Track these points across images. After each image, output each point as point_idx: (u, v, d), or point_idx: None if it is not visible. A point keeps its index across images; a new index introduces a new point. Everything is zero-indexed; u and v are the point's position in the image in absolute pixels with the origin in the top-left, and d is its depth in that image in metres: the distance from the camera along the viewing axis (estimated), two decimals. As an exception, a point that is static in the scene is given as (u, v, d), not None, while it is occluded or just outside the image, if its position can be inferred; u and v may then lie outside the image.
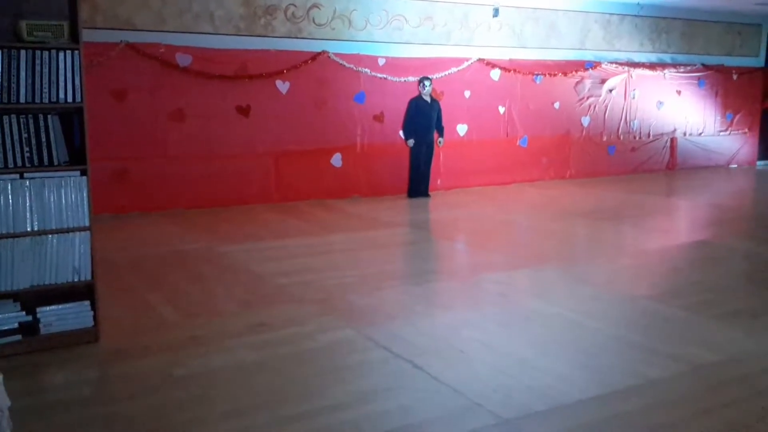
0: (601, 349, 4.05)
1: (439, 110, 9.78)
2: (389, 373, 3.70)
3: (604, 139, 12.44)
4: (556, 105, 11.71)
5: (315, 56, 9.40)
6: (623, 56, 12.42)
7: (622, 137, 12.63)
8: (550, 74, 11.50)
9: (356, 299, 5.03)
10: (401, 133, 9.80)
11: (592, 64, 11.97)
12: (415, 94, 9.72)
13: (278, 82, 9.21)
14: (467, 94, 10.74)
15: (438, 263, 6.70)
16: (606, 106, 12.34)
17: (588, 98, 12.09)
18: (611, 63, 12.20)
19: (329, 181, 9.72)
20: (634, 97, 12.63)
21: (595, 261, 6.39)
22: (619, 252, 6.91)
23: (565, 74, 11.69)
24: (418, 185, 9.84)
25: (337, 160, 9.79)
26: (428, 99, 9.68)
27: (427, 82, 9.62)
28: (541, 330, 4.38)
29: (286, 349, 4.04)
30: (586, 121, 12.14)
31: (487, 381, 3.56)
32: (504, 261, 6.36)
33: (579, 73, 11.85)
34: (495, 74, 10.98)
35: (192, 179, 8.74)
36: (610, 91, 12.34)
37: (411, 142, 9.65)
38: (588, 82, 12.02)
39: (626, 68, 12.40)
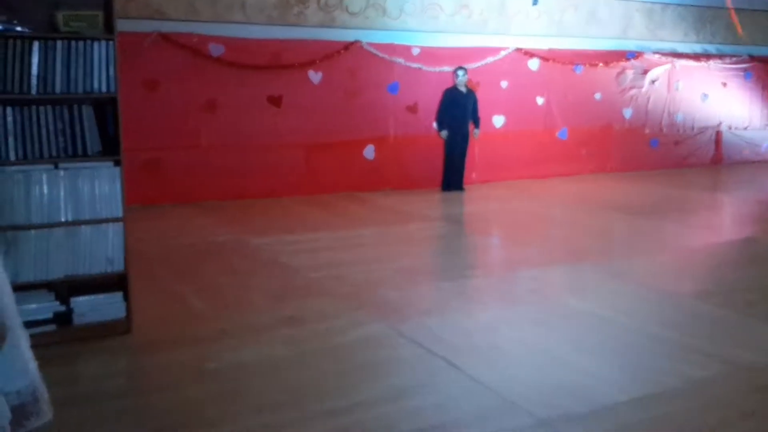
0: (641, 348, 3.93)
1: (475, 101, 9.63)
2: (422, 370, 3.63)
3: (647, 131, 12.15)
4: (597, 96, 11.46)
5: (348, 46, 9.32)
6: (667, 46, 12.10)
7: (665, 130, 12.32)
8: (590, 64, 11.26)
9: (388, 294, 4.96)
10: (435, 124, 9.68)
11: (634, 54, 11.68)
12: (450, 84, 9.59)
13: (310, 72, 9.15)
14: (504, 84, 10.56)
15: (472, 258, 6.59)
16: (648, 98, 12.04)
17: (630, 89, 11.81)
18: (654, 53, 11.89)
19: (361, 173, 9.65)
20: (677, 89, 12.30)
21: (635, 257, 6.21)
22: (660, 248, 6.70)
23: (606, 64, 11.44)
24: (452, 178, 9.71)
25: (369, 151, 9.71)
26: (464, 89, 9.54)
27: (461, 72, 9.48)
28: (578, 328, 4.25)
29: (317, 344, 4.00)
30: (627, 112, 11.87)
31: (523, 380, 3.47)
32: (540, 256, 6.23)
33: (620, 63, 11.58)
34: (533, 64, 10.78)
35: (223, 170, 8.73)
36: (653, 82, 12.03)
37: (444, 133, 9.53)
38: (630, 73, 11.74)
39: (670, 59, 12.07)
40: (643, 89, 11.95)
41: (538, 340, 4.03)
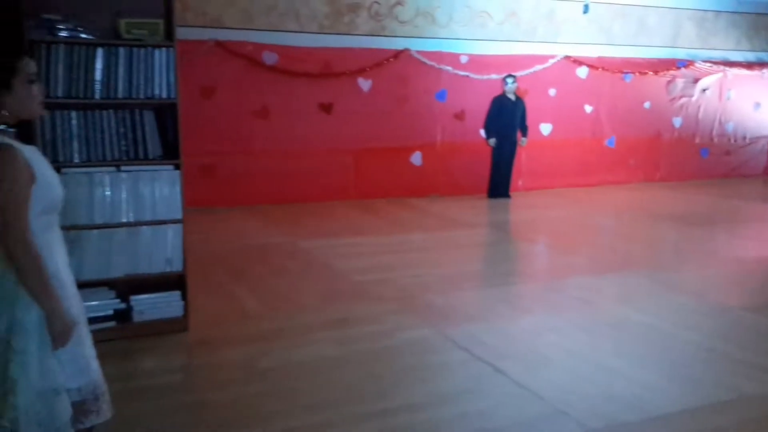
0: (691, 359, 3.88)
1: (524, 109, 9.60)
2: (469, 376, 3.66)
3: (697, 141, 11.93)
4: (647, 105, 11.31)
5: (397, 54, 9.41)
6: (718, 55, 11.86)
7: (716, 139, 12.08)
8: (639, 73, 11.12)
9: (435, 299, 5.00)
10: (482, 132, 9.67)
11: (685, 63, 11.49)
12: (498, 92, 9.58)
13: (360, 80, 9.27)
14: (552, 92, 10.51)
15: (518, 265, 6.58)
16: (699, 107, 11.83)
17: (680, 98, 11.61)
18: (705, 62, 11.67)
19: (408, 179, 9.71)
20: (729, 98, 12.05)
21: (684, 268, 6.12)
22: (711, 259, 6.59)
23: (656, 73, 11.28)
24: (499, 185, 9.69)
25: (416, 158, 9.78)
26: (512, 97, 9.52)
27: (510, 80, 9.46)
28: (627, 338, 4.22)
29: (365, 346, 4.06)
30: (677, 121, 11.67)
31: (571, 388, 3.46)
32: (588, 265, 6.18)
33: (671, 71, 11.40)
34: (582, 72, 10.70)
35: (274, 175, 8.91)
36: (704, 91, 11.81)
37: (493, 141, 9.51)
38: (680, 82, 11.55)
39: (721, 67, 11.83)
40: (694, 98, 11.73)
41: (586, 348, 4.02)
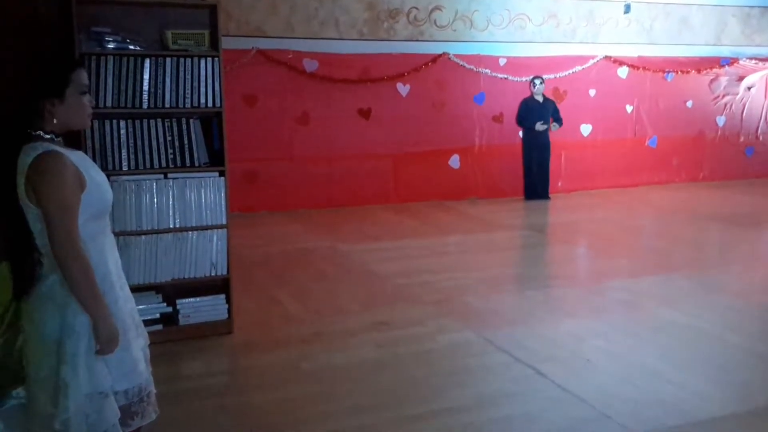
0: (738, 363, 3.82)
1: (555, 109, 9.51)
2: (511, 379, 3.66)
3: (742, 139, 11.66)
4: (689, 104, 11.11)
5: (435, 58, 9.43)
6: (764, 51, 11.58)
7: (761, 138, 11.78)
8: (682, 71, 10.93)
9: (475, 302, 5.01)
10: (520, 133, 9.60)
11: (729, 61, 11.25)
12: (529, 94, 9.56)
13: (399, 85, 9.32)
14: (592, 92, 10.40)
15: (558, 268, 6.53)
16: (744, 105, 11.56)
17: (724, 96, 11.37)
18: (750, 59, 11.41)
19: (447, 182, 9.72)
20: (775, 95, 11.76)
21: (730, 269, 6.01)
22: (757, 260, 6.45)
23: (699, 71, 11.07)
24: (539, 186, 9.63)
25: (455, 161, 9.78)
26: (540, 99, 9.46)
27: (538, 81, 9.41)
28: (671, 341, 4.17)
29: (406, 349, 4.09)
30: (721, 120, 11.44)
31: (615, 392, 3.44)
32: (630, 267, 6.11)
33: (714, 70, 11.17)
34: (622, 72, 10.57)
35: (315, 180, 9.02)
36: (749, 88, 11.54)
37: (539, 125, 9.27)
38: (724, 80, 11.31)
39: (767, 64, 11.55)
40: (738, 96, 11.47)
41: (629, 352, 3.99)
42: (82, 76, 2.12)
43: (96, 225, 2.10)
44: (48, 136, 2.06)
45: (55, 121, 2.06)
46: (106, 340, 2.05)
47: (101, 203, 2.11)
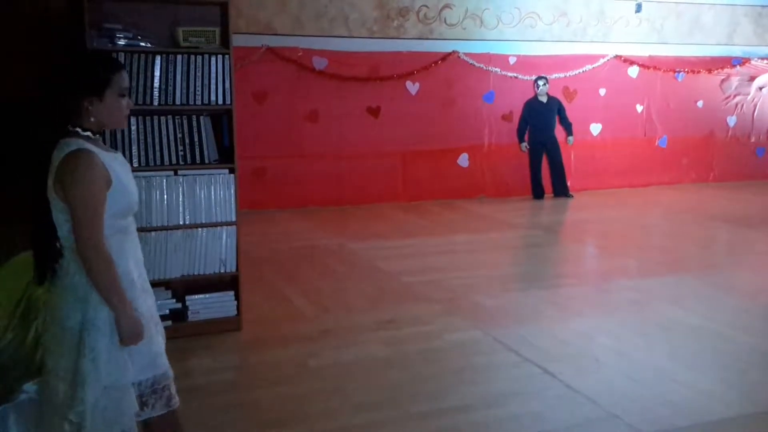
0: (747, 364, 3.81)
1: (560, 108, 9.51)
2: (519, 377, 3.66)
3: (752, 140, 11.58)
4: (700, 103, 11.05)
5: (445, 57, 9.42)
6: (776, 51, 11.51)
7: (772, 138, 11.72)
8: (692, 71, 10.87)
9: (483, 300, 5.01)
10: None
11: (740, 61, 11.19)
12: (548, 92, 9.53)
13: (408, 83, 9.31)
14: (602, 92, 10.37)
15: (567, 267, 6.52)
16: (755, 105, 11.49)
17: (735, 96, 11.30)
18: (762, 59, 11.34)
19: (455, 181, 9.70)
20: (787, 96, 11.67)
21: (739, 270, 5.99)
22: (765, 261, 6.42)
23: (710, 71, 11.00)
24: (540, 186, 9.63)
25: (463, 160, 9.77)
26: (544, 99, 9.46)
27: (541, 82, 9.41)
28: (680, 341, 4.16)
29: (414, 347, 4.09)
30: (732, 120, 11.37)
31: (623, 391, 3.44)
32: (639, 267, 6.10)
33: (725, 70, 11.11)
34: (633, 71, 10.52)
35: (324, 178, 9.03)
36: (760, 89, 11.46)
37: (524, 146, 9.50)
38: (735, 80, 11.24)
39: (780, 64, 11.49)
40: (749, 96, 11.40)
41: (638, 351, 3.98)
42: (124, 79, 2.16)
43: (118, 223, 2.13)
44: (85, 133, 2.11)
45: (92, 119, 2.12)
46: (128, 334, 2.09)
47: (125, 204, 2.15)
